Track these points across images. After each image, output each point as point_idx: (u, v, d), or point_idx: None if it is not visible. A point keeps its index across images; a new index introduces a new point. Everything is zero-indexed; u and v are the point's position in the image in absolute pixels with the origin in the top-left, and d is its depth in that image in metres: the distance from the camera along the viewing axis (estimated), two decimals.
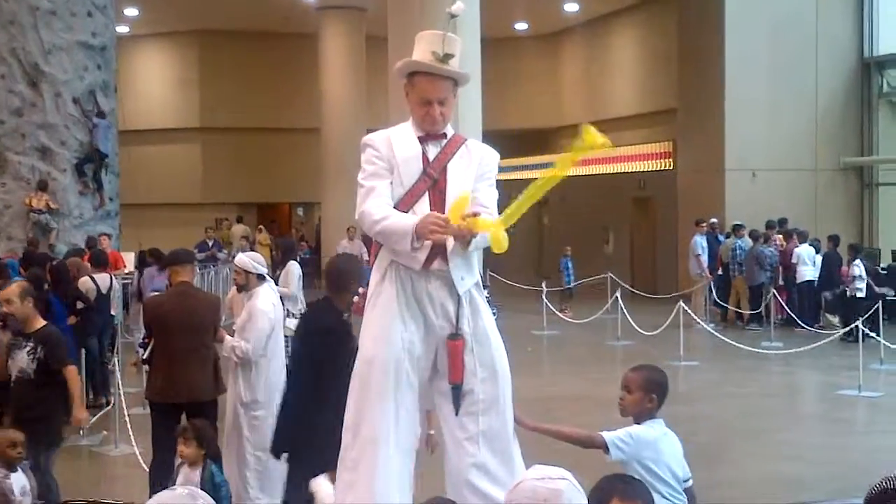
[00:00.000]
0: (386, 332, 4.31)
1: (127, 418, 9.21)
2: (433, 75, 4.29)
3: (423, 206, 4.30)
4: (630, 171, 25.05)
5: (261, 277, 7.52)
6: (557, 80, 30.81)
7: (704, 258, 18.60)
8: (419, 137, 4.38)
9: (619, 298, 16.60)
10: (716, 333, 15.37)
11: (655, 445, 4.26)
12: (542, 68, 30.90)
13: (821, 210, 20.80)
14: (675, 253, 21.89)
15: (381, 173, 4.31)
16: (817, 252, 17.90)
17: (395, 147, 4.33)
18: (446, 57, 4.29)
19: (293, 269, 12.75)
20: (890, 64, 21.30)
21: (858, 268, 16.39)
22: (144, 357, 7.77)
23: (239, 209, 30.06)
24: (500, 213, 4.28)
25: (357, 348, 4.41)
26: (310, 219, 32.18)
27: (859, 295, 16.22)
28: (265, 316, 7.31)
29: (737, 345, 14.42)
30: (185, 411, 6.91)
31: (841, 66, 21.40)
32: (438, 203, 4.31)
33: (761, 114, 20.62)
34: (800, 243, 17.97)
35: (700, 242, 18.72)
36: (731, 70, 20.66)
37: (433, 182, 4.33)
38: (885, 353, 13.70)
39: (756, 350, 14.65)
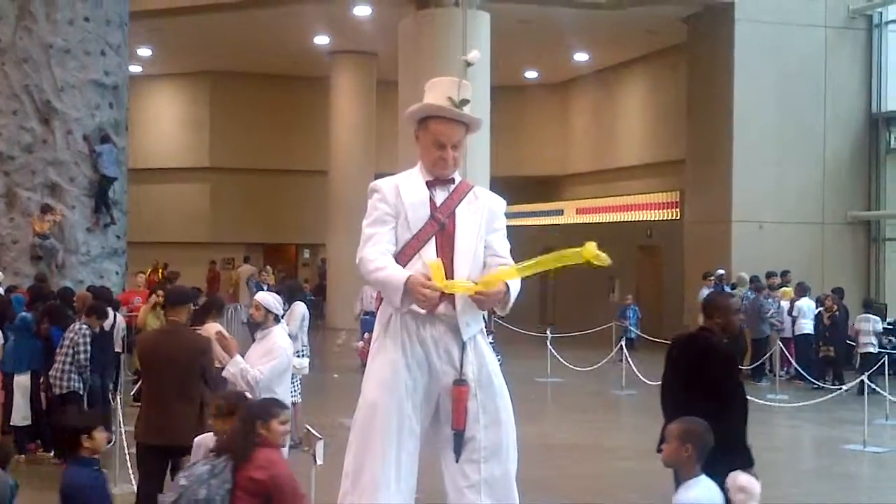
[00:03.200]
0: (390, 377, 4.30)
1: (127, 456, 9.15)
2: (449, 120, 4.35)
3: (429, 251, 4.31)
4: (637, 219, 25.08)
5: (276, 318, 7.55)
6: (566, 128, 30.95)
7: None
8: (427, 182, 4.39)
9: (624, 347, 16.54)
10: None
11: None
12: (551, 116, 31.06)
13: (827, 263, 20.75)
14: (682, 302, 21.84)
15: (384, 219, 4.34)
16: (818, 306, 17.84)
17: (403, 192, 4.34)
18: (462, 103, 4.37)
19: (297, 308, 12.79)
20: None
21: (869, 323, 16.34)
22: (133, 394, 7.79)
23: (246, 249, 30.12)
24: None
25: None
26: (313, 261, 32.23)
27: (871, 350, 16.14)
28: (284, 353, 7.35)
29: None
30: (168, 453, 6.88)
31: (849, 120, 21.47)
32: (446, 247, 4.31)
33: (769, 165, 20.66)
34: (800, 297, 17.90)
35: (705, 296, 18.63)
36: (740, 121, 20.75)
37: (441, 226, 4.33)
38: (890, 408, 13.61)
39: (761, 402, 14.54)
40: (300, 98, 29.85)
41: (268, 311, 7.49)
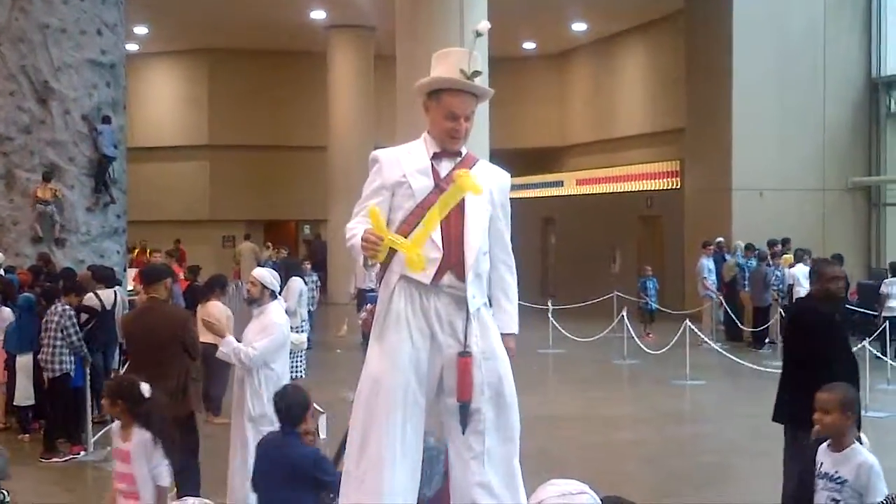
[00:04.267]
0: (394, 349, 4.30)
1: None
2: (461, 91, 4.31)
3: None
4: (637, 189, 25.04)
5: (272, 294, 7.56)
6: (565, 99, 30.86)
7: (712, 280, 18.56)
8: (434, 154, 4.38)
9: (626, 317, 16.57)
10: (723, 352, 15.33)
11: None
12: (550, 87, 30.97)
13: (828, 230, 20.75)
14: (682, 271, 21.86)
15: (378, 192, 4.32)
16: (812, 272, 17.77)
17: (405, 162, 4.32)
18: (474, 74, 4.32)
19: (294, 284, 12.91)
20: None
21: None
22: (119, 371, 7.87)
23: (246, 226, 30.11)
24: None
25: None
26: (314, 236, 32.22)
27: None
28: (280, 329, 7.36)
29: (744, 364, 14.37)
30: None
31: (849, 85, 21.42)
32: (454, 214, 4.31)
33: (769, 133, 20.62)
34: (797, 263, 17.89)
35: (707, 265, 18.67)
36: (739, 90, 20.69)
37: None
38: (891, 372, 13.64)
39: (763, 369, 14.58)
40: (298, 74, 29.74)
41: (264, 286, 7.49)
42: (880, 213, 21.72)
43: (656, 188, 24.42)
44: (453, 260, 4.25)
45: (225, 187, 30.42)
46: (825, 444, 4.68)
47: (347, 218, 4.47)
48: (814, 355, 6.28)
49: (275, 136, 29.98)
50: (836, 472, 4.56)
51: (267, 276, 7.59)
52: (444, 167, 4.34)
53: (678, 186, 23.37)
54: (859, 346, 13.72)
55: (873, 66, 21.48)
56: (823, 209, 21.01)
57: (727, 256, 19.44)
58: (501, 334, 4.40)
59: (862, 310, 16.92)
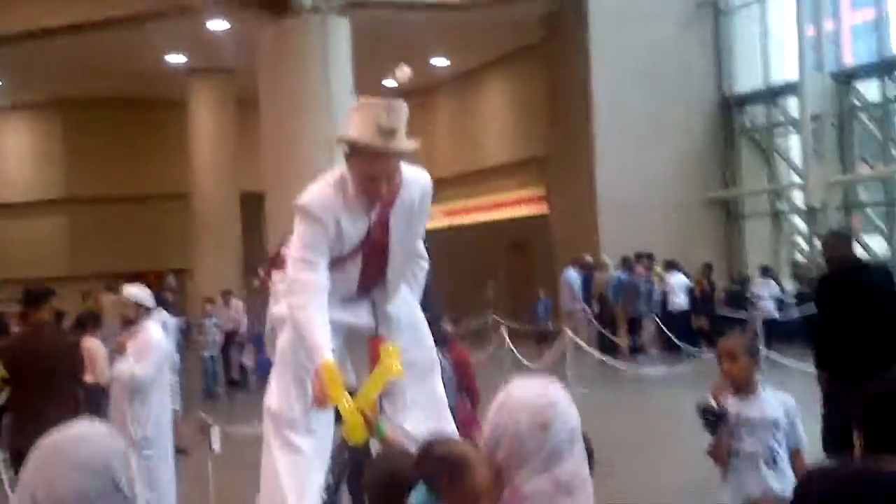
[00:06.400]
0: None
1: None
2: (378, 154, 4.06)
3: (355, 264, 4.26)
4: (506, 217, 25.38)
5: (147, 311, 7.35)
6: (429, 134, 31.06)
7: (578, 292, 18.96)
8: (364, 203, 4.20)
9: (507, 336, 16.69)
10: (604, 359, 15.60)
11: None
12: (414, 123, 30.25)
13: (690, 243, 21.28)
14: (555, 294, 22.19)
15: (321, 242, 4.12)
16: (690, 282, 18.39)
17: (340, 213, 4.13)
18: (392, 132, 4.04)
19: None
20: (749, 101, 22.25)
21: (767, 288, 16.91)
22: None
23: (109, 280, 29.17)
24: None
25: None
26: (179, 286, 31.46)
27: (775, 316, 16.75)
28: (160, 345, 7.16)
29: (623, 370, 14.66)
30: None
31: (703, 104, 22.24)
32: (374, 259, 4.27)
33: (630, 153, 21.15)
34: (671, 273, 18.42)
35: (572, 276, 19.04)
36: (600, 114, 21.25)
37: (372, 243, 4.25)
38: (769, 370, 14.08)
39: (641, 374, 14.93)
40: (158, 121, 29.15)
41: (138, 304, 7.28)
42: (738, 224, 22.53)
43: (524, 215, 24.80)
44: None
45: (84, 241, 29.49)
46: (733, 395, 4.61)
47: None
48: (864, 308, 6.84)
49: (135, 185, 29.23)
50: (762, 414, 4.54)
51: (139, 293, 7.36)
52: (374, 214, 4.21)
53: (545, 212, 23.78)
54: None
55: (724, 83, 22.38)
56: (685, 223, 21.60)
57: (595, 273, 19.86)
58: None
59: (733, 316, 17.49)
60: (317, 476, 4.21)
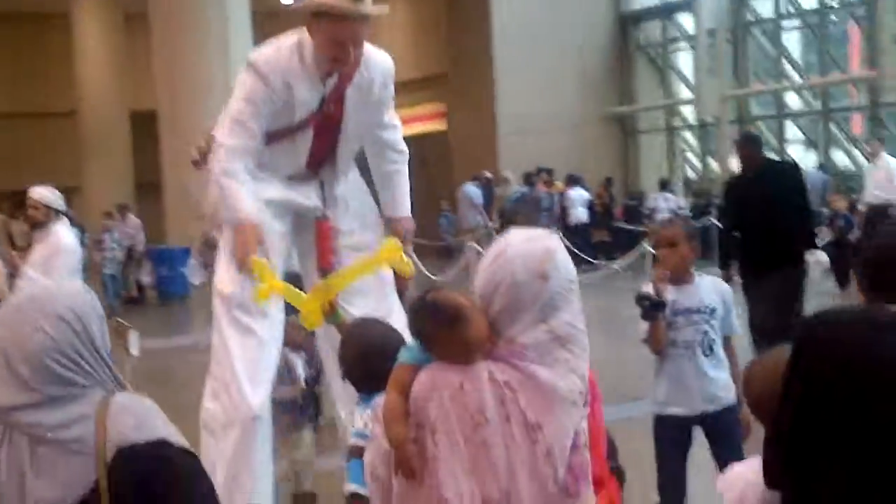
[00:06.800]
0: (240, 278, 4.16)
1: None
2: (348, 17, 3.93)
3: (305, 138, 4.16)
4: (406, 134, 25.11)
5: (57, 213, 7.10)
6: None
7: (480, 206, 19.08)
8: (321, 74, 4.09)
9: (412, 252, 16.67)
10: None
11: None
12: None
13: (589, 159, 21.51)
14: (455, 211, 22.23)
15: (257, 105, 4.01)
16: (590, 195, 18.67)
17: (293, 79, 4.02)
18: None
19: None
20: (645, 17, 22.44)
21: (668, 202, 17.27)
22: None
23: None
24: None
25: None
26: (70, 205, 30.57)
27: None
28: (70, 248, 6.93)
29: None
30: None
31: (601, 21, 22.33)
32: (326, 134, 4.18)
33: (529, 71, 21.15)
34: (571, 187, 18.65)
35: (472, 191, 19.07)
36: (499, 32, 21.21)
37: (325, 117, 4.16)
38: None
39: None
40: (41, 37, 27.96)
41: (48, 207, 7.03)
42: (634, 140, 22.87)
43: (423, 132, 24.67)
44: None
45: None
46: (670, 284, 4.34)
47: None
48: None
49: (18, 103, 28.06)
50: (700, 303, 4.36)
51: (49, 195, 7.10)
52: (330, 83, 4.11)
53: (445, 129, 23.72)
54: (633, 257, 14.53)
55: (620, 0, 22.49)
56: (584, 140, 21.82)
57: (494, 189, 19.94)
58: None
59: (629, 226, 17.85)
60: (269, 358, 4.17)
